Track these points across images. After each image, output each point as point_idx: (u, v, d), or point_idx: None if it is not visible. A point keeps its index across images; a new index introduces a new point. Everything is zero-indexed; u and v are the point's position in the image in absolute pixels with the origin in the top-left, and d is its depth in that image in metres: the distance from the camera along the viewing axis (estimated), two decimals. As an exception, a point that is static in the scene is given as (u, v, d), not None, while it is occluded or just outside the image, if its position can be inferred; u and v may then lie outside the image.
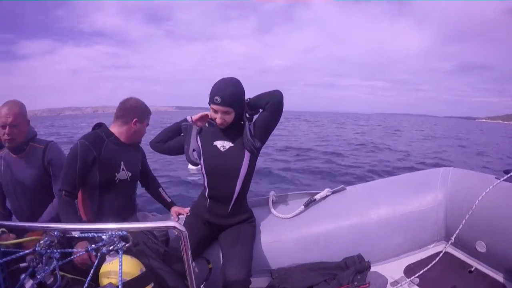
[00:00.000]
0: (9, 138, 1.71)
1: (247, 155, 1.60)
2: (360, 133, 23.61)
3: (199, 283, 1.64)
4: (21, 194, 1.80)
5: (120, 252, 0.98)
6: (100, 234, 1.02)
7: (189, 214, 1.83)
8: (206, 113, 1.67)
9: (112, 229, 0.98)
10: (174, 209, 1.97)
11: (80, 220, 1.59)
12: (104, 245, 1.02)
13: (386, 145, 14.49)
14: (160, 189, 2.00)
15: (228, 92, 1.48)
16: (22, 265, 1.21)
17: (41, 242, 1.06)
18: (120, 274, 0.95)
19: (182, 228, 0.89)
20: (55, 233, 1.07)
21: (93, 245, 1.04)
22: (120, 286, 0.93)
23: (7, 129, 1.69)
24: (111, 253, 1.04)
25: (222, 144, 1.63)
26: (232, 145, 1.62)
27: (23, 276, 1.16)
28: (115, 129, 1.72)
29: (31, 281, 1.07)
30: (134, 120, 1.70)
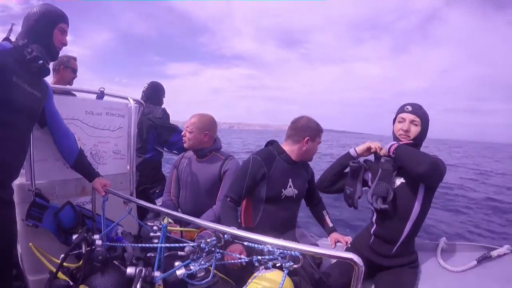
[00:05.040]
0: (183, 139, 1.99)
1: (421, 191, 1.45)
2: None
3: None
4: (192, 191, 2.01)
5: (285, 271, 0.92)
6: (267, 248, 0.96)
7: (349, 246, 1.72)
8: (370, 144, 1.60)
9: (287, 248, 0.91)
10: (334, 235, 1.88)
11: (239, 227, 1.64)
12: (271, 260, 1.00)
13: None
14: (324, 212, 1.96)
15: (419, 105, 1.49)
16: (180, 253, 1.33)
17: (209, 240, 1.09)
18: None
19: (361, 264, 0.77)
20: (225, 236, 1.07)
21: (259, 257, 1.03)
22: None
23: (184, 131, 2.00)
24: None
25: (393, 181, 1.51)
26: (404, 181, 1.49)
27: (178, 263, 1.23)
28: (287, 147, 1.77)
29: (183, 270, 1.14)
30: (305, 139, 1.72)
